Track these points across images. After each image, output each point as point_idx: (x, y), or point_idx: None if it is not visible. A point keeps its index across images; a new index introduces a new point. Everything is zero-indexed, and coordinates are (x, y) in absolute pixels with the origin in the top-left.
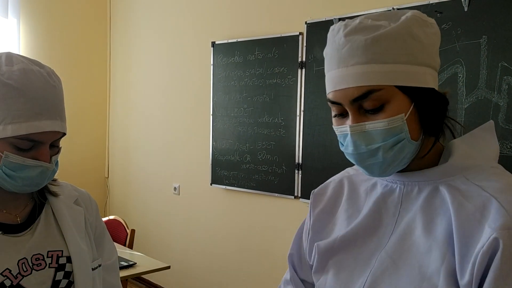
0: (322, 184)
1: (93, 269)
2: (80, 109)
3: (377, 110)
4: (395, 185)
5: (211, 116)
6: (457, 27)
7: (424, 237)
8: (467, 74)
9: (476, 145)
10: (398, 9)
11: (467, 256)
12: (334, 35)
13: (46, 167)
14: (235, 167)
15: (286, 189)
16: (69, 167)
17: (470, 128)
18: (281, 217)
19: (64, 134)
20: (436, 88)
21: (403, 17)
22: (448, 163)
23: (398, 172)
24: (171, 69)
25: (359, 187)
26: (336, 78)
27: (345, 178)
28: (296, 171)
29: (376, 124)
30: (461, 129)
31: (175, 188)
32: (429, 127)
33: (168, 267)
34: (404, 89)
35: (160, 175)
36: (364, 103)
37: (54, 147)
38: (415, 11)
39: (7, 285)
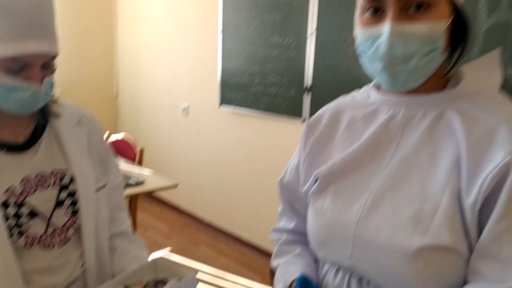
0: (316, 114)
1: (98, 188)
2: (87, 28)
3: (423, 8)
4: (397, 110)
5: (220, 35)
6: None
7: (429, 161)
8: None
9: (484, 72)
10: None
11: (476, 178)
12: None
13: (36, 89)
14: (244, 89)
15: (293, 112)
16: (78, 86)
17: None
18: (287, 140)
19: (56, 54)
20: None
21: None
22: (458, 87)
23: (407, 92)
24: None
25: (358, 114)
26: None
27: (342, 107)
28: (305, 94)
29: (419, 26)
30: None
31: (183, 109)
32: (456, 44)
33: (176, 186)
34: None
35: (169, 95)
36: None
37: (48, 68)
38: None
39: (12, 203)
